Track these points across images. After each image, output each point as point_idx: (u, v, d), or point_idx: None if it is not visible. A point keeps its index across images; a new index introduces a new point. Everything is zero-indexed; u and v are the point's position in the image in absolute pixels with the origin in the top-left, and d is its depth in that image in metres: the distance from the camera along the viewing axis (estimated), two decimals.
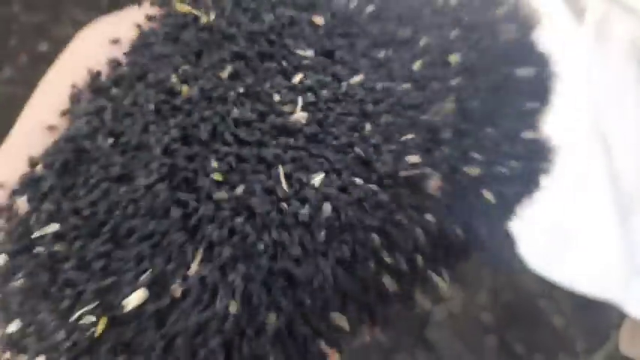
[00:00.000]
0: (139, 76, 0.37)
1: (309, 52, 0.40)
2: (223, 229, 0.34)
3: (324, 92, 0.38)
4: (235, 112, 0.36)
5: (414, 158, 0.36)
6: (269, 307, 0.34)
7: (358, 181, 0.36)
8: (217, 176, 0.34)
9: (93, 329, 0.32)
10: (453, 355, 1.08)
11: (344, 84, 0.39)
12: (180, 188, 0.34)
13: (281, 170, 0.35)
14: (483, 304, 1.17)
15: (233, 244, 0.34)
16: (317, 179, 0.35)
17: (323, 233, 0.34)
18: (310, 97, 0.38)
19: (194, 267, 0.33)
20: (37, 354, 0.33)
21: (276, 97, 0.37)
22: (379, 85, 0.39)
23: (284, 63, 0.40)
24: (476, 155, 0.38)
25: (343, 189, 0.36)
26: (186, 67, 0.38)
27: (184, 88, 0.36)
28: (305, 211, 0.34)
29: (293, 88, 0.38)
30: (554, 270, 0.67)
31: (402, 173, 0.36)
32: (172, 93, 0.36)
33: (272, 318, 0.34)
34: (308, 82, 0.38)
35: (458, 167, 0.37)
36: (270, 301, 0.34)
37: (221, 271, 0.33)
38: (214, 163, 0.35)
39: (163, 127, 0.35)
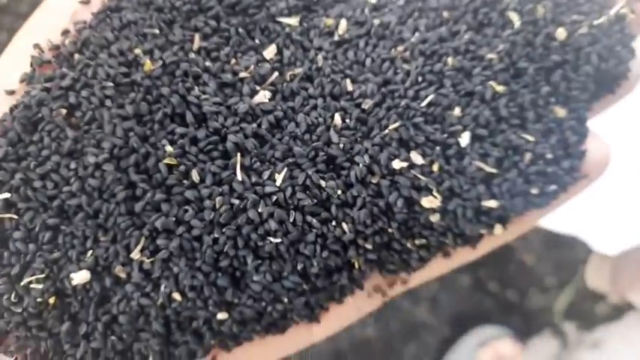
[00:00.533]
0: (103, 45, 0.35)
1: (294, 20, 0.38)
2: (169, 218, 0.33)
3: (297, 70, 0.36)
4: (195, 91, 0.34)
5: (397, 163, 0.34)
6: (217, 303, 0.34)
7: (323, 183, 0.34)
8: (169, 160, 0.33)
9: (40, 297, 0.33)
10: (429, 294, 1.10)
11: (319, 57, 0.36)
12: (130, 170, 0.33)
13: (238, 161, 0.33)
14: None
15: (179, 234, 0.33)
16: (279, 177, 0.33)
17: (272, 239, 0.33)
18: (278, 77, 0.35)
19: (136, 253, 0.32)
20: None
21: (243, 74, 0.35)
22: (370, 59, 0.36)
23: (260, 36, 0.37)
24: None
25: (305, 189, 0.34)
26: (153, 38, 0.36)
27: (147, 62, 0.34)
28: (259, 210, 0.33)
29: (263, 64, 0.36)
30: None
31: (381, 182, 0.34)
32: (135, 65, 0.35)
33: (221, 314, 0.34)
34: (280, 56, 0.36)
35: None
36: (217, 297, 0.33)
37: (163, 262, 0.33)
38: (168, 147, 0.33)
39: (119, 103, 0.33)
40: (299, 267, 0.34)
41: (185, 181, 0.33)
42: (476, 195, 0.35)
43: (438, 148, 0.35)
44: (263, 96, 0.35)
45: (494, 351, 1.01)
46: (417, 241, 0.36)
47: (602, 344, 0.99)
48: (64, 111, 0.33)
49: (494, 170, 0.35)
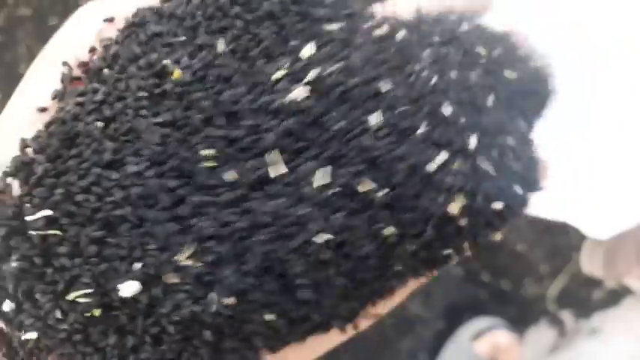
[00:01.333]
0: (131, 59, 0.35)
1: (335, 26, 0.37)
2: (216, 220, 0.32)
3: (335, 66, 0.34)
4: (226, 94, 0.34)
5: (431, 166, 0.34)
6: (266, 306, 0.33)
7: (360, 187, 0.33)
8: (208, 163, 0.33)
9: (87, 311, 0.32)
10: (422, 288, 1.09)
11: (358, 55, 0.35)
12: (171, 175, 0.33)
13: (277, 158, 0.33)
14: None
15: (226, 237, 0.32)
16: (319, 176, 0.33)
17: (316, 239, 0.32)
18: (315, 73, 0.34)
19: (184, 258, 0.32)
20: (32, 331, 0.33)
21: (279, 74, 0.34)
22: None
23: (295, 38, 0.36)
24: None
25: (346, 189, 0.33)
26: (180, 46, 0.35)
27: (176, 71, 0.34)
28: (300, 212, 0.32)
29: (299, 62, 0.35)
30: None
31: (418, 183, 0.33)
32: (165, 75, 0.34)
33: (270, 316, 0.33)
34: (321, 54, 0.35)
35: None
36: (266, 300, 0.33)
37: (213, 265, 0.32)
38: (205, 150, 0.33)
39: (154, 112, 0.33)
40: (345, 269, 0.34)
41: (225, 183, 0.33)
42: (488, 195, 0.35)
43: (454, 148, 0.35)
44: (299, 93, 0.34)
45: (490, 342, 1.00)
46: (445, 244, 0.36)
47: (600, 331, 0.99)
48: (100, 124, 0.33)
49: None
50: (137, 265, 0.33)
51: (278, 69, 0.35)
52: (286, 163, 0.33)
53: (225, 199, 0.33)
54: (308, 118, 0.34)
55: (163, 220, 0.33)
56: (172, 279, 0.32)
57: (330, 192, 0.33)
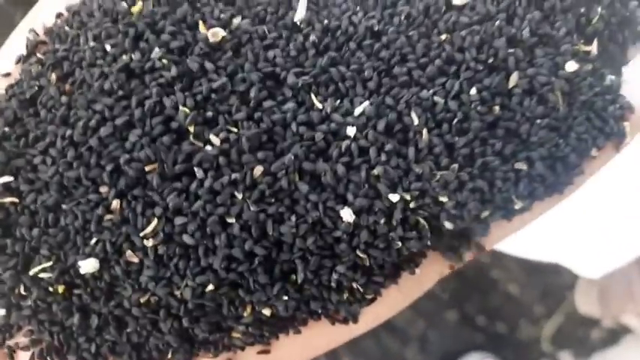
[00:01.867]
0: (90, 13, 0.35)
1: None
2: (181, 195, 0.30)
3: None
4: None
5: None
6: (249, 293, 0.31)
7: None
8: (186, 110, 0.30)
9: (50, 287, 0.32)
10: (418, 333, 1.07)
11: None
12: (124, 129, 0.30)
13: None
14: (439, 281, 1.16)
15: (194, 213, 0.30)
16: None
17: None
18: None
19: (147, 234, 0.30)
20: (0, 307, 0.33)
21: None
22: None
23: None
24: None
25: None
26: None
27: (138, 4, 0.32)
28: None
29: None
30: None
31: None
32: (124, 15, 0.33)
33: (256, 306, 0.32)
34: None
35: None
36: (249, 287, 0.31)
37: (182, 247, 0.30)
38: (173, 98, 0.30)
39: (109, 60, 0.32)
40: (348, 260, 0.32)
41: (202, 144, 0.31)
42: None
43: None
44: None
45: None
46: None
47: None
48: (54, 76, 0.32)
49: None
50: (94, 239, 0.31)
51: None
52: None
53: (192, 157, 0.30)
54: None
55: (124, 187, 0.30)
56: (133, 258, 0.30)
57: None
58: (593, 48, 0.33)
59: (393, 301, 0.36)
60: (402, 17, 0.33)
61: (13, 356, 0.34)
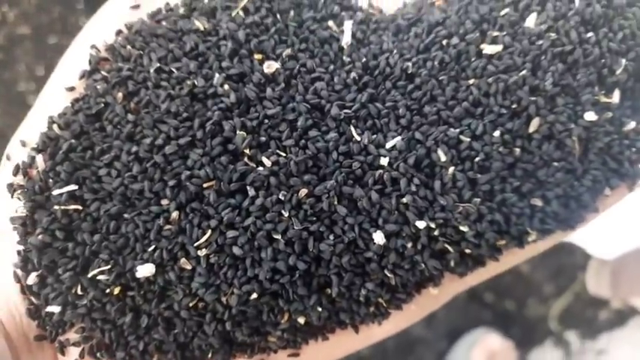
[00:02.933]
0: (154, 34, 0.37)
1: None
2: (234, 210, 0.33)
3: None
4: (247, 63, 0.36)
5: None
6: (288, 302, 0.35)
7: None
8: (243, 134, 0.34)
9: (107, 288, 0.35)
10: None
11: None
12: (188, 149, 0.34)
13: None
14: None
15: (245, 227, 0.33)
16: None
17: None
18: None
19: (201, 244, 0.33)
20: (55, 305, 0.36)
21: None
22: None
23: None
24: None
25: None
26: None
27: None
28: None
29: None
30: None
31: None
32: (184, 52, 0.36)
33: (294, 315, 0.35)
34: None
35: None
36: (288, 298, 0.34)
37: (231, 257, 0.34)
38: (242, 130, 0.33)
39: (173, 84, 0.35)
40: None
41: (255, 165, 0.34)
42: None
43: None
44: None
45: (484, 348, 0.99)
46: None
47: (607, 352, 0.97)
48: (120, 95, 0.35)
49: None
50: (152, 246, 0.34)
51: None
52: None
53: (258, 178, 0.34)
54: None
55: (184, 200, 0.34)
56: (186, 265, 0.34)
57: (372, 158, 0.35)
58: (615, 98, 0.36)
59: (412, 313, 0.40)
60: (436, 62, 0.36)
61: (63, 351, 0.37)
